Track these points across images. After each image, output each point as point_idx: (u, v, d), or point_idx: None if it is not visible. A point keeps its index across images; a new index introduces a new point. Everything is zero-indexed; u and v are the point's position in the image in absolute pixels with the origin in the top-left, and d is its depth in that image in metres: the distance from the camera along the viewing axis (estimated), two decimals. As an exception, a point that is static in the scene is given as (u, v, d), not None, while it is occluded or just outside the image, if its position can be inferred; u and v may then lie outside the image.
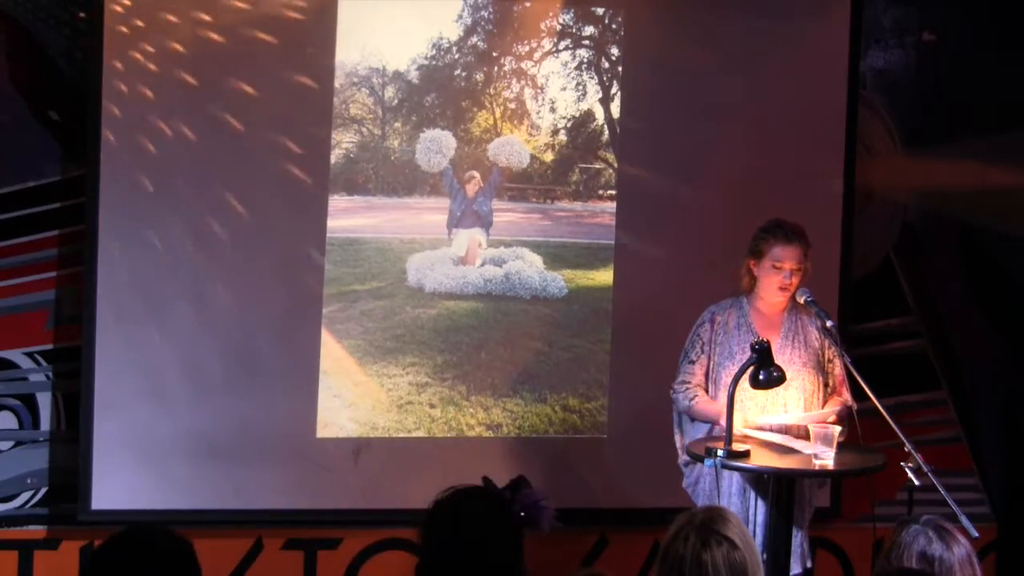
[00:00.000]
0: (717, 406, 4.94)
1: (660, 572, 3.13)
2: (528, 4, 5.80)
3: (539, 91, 5.83)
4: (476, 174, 5.80)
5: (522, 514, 3.25)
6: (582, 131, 5.91)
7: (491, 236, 5.85)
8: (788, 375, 4.97)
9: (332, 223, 5.65)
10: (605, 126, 5.93)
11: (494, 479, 3.36)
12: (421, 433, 5.75)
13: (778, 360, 4.95)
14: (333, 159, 5.66)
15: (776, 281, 5.04)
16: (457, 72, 5.77)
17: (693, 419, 5.09)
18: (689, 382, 5.07)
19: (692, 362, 5.09)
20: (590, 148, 5.94)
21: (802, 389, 5.04)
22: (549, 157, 5.89)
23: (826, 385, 5.11)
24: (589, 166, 5.93)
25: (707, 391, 5.07)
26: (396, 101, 5.73)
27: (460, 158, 5.78)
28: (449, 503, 3.20)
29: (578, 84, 5.87)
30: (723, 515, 3.18)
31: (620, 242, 5.92)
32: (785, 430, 4.96)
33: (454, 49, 5.75)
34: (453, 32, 5.74)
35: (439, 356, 5.77)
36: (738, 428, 4.88)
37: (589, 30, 5.87)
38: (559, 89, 5.86)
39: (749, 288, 5.12)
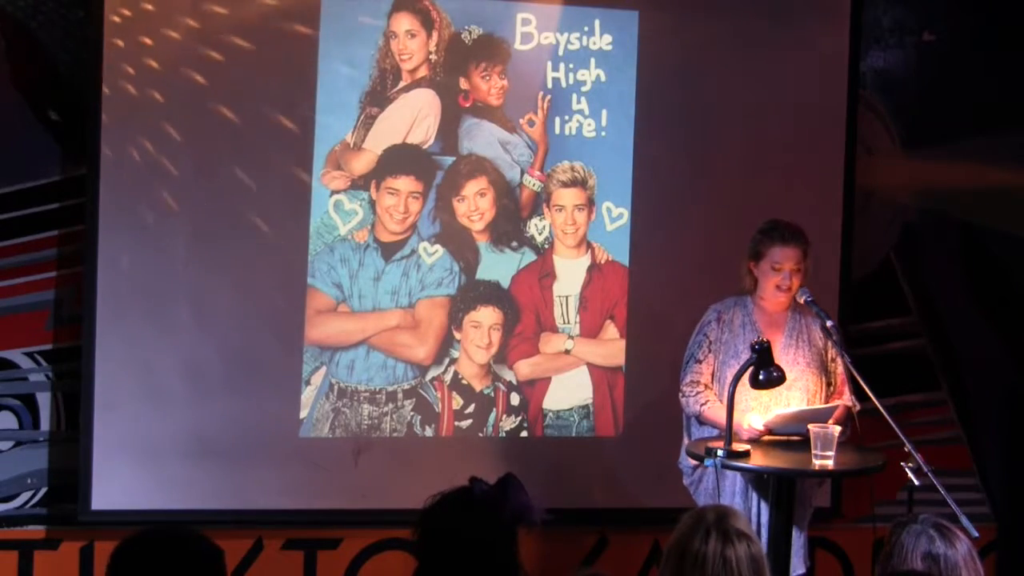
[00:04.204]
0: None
1: (678, 571, 3.13)
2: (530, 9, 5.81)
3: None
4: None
5: (512, 513, 3.24)
6: (582, 131, 5.93)
7: (491, 236, 5.88)
8: (792, 375, 4.99)
9: (332, 223, 5.68)
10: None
11: (493, 479, 3.35)
12: (421, 433, 5.75)
13: (782, 360, 4.96)
14: (333, 159, 5.69)
15: (775, 282, 5.04)
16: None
17: (702, 423, 5.08)
18: (698, 382, 5.06)
19: (699, 361, 5.08)
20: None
21: (805, 390, 5.04)
22: (549, 157, 5.91)
23: (829, 385, 5.11)
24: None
25: (712, 389, 5.07)
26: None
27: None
28: (438, 510, 3.20)
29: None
30: (733, 512, 3.21)
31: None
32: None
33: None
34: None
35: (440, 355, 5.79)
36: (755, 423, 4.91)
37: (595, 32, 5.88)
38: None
39: (752, 289, 5.12)
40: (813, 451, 4.74)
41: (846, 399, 5.05)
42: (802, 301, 5.06)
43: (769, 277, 5.05)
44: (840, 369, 5.08)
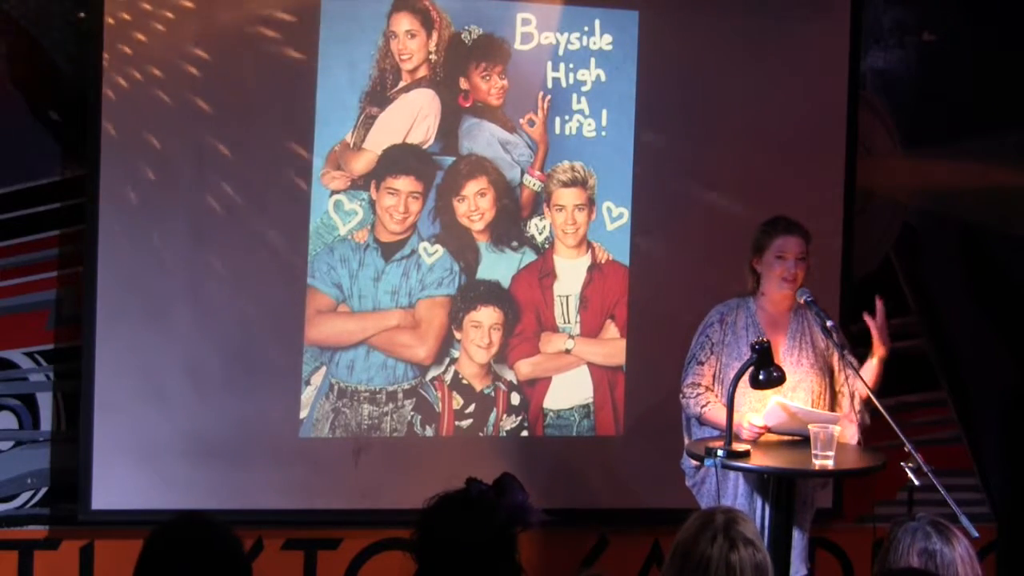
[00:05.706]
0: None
1: (681, 571, 3.13)
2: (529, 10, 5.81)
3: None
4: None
5: (508, 514, 3.25)
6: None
7: (491, 236, 5.87)
8: (795, 377, 4.99)
9: (332, 223, 5.68)
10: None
11: (493, 479, 3.35)
12: (421, 433, 5.75)
13: (785, 362, 4.96)
14: (333, 159, 5.69)
15: (780, 273, 5.03)
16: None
17: (703, 424, 5.08)
18: (699, 384, 5.06)
19: (701, 363, 5.07)
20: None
21: (809, 391, 5.03)
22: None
23: (832, 389, 5.10)
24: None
25: (713, 391, 5.06)
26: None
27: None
28: (436, 512, 3.20)
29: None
30: (741, 516, 3.22)
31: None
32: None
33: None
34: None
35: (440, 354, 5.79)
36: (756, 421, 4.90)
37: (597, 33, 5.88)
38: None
39: (754, 289, 5.12)
40: (813, 451, 4.73)
41: (856, 417, 5.03)
42: (802, 301, 5.05)
43: (774, 268, 5.04)
44: (857, 388, 5.03)
